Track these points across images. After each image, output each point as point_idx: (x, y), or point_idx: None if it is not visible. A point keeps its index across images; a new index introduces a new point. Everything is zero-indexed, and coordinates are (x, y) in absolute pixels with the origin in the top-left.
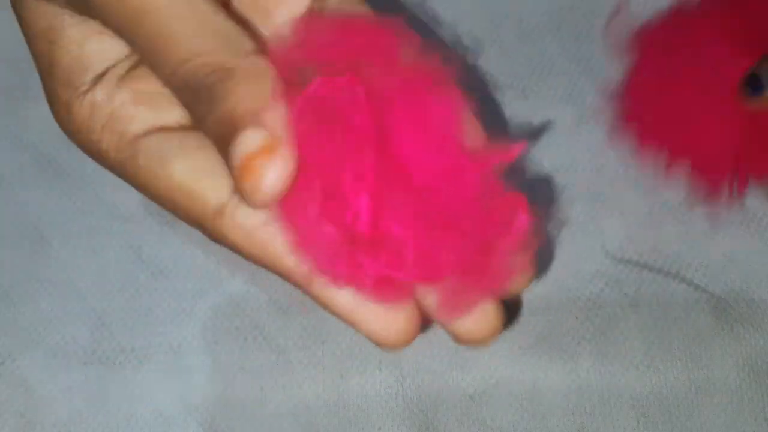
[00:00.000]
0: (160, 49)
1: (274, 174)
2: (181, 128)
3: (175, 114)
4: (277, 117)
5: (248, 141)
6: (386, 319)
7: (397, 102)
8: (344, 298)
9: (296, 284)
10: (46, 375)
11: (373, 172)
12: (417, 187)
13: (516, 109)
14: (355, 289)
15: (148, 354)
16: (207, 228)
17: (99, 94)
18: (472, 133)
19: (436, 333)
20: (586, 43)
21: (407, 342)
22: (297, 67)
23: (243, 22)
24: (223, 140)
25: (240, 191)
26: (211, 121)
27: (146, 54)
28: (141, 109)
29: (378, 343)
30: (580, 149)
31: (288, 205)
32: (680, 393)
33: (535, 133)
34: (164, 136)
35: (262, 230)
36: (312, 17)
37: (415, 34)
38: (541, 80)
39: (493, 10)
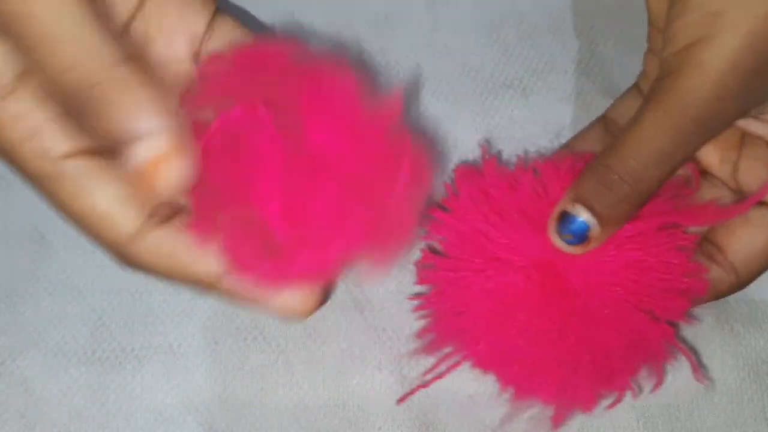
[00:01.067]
0: (39, 59)
1: (172, 177)
2: (101, 152)
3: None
4: (165, 123)
5: (140, 151)
6: (291, 295)
7: (302, 105)
8: (249, 286)
9: (206, 288)
10: (46, 375)
11: (281, 187)
12: (332, 174)
13: (516, 109)
14: (279, 285)
15: (148, 354)
16: (119, 253)
17: (18, 104)
18: (369, 103)
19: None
20: (586, 43)
21: (313, 310)
22: (208, 103)
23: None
24: (114, 149)
25: (141, 197)
26: (98, 132)
27: (30, 62)
28: (66, 129)
29: (287, 317)
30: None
31: (206, 224)
32: (680, 393)
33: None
34: (87, 162)
35: (172, 248)
36: (212, 55)
37: (300, 44)
38: (541, 80)
39: (493, 10)
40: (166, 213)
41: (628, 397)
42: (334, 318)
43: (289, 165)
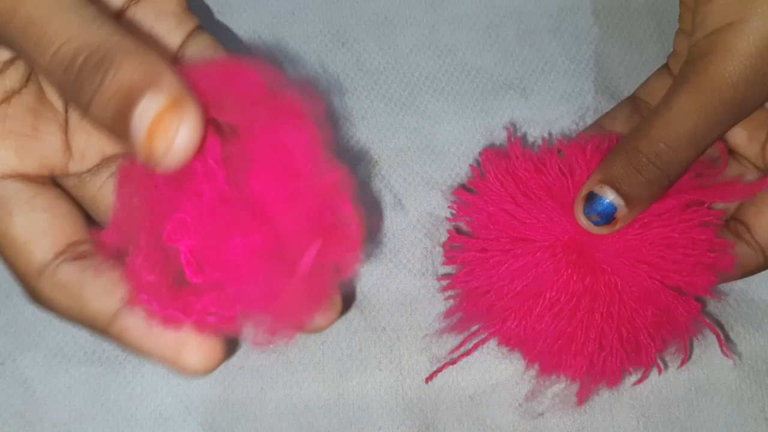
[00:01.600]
0: (35, 41)
1: (186, 129)
2: (38, 180)
3: (34, 163)
4: (173, 78)
5: (151, 104)
6: (184, 349)
7: (255, 138)
8: (143, 334)
9: (99, 329)
10: (46, 375)
11: (202, 221)
12: (258, 228)
13: (516, 109)
14: (181, 326)
15: None
16: (26, 282)
17: None
18: (321, 164)
19: (435, 334)
20: (586, 43)
21: (209, 368)
22: None
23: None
24: (118, 116)
25: (150, 158)
26: (100, 101)
27: (24, 50)
28: (6, 151)
29: (180, 371)
30: None
31: (119, 243)
32: (680, 393)
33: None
34: (19, 186)
35: (74, 284)
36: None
37: (274, 71)
38: (541, 80)
39: (493, 10)
40: (77, 251)
41: (628, 397)
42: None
43: (219, 204)
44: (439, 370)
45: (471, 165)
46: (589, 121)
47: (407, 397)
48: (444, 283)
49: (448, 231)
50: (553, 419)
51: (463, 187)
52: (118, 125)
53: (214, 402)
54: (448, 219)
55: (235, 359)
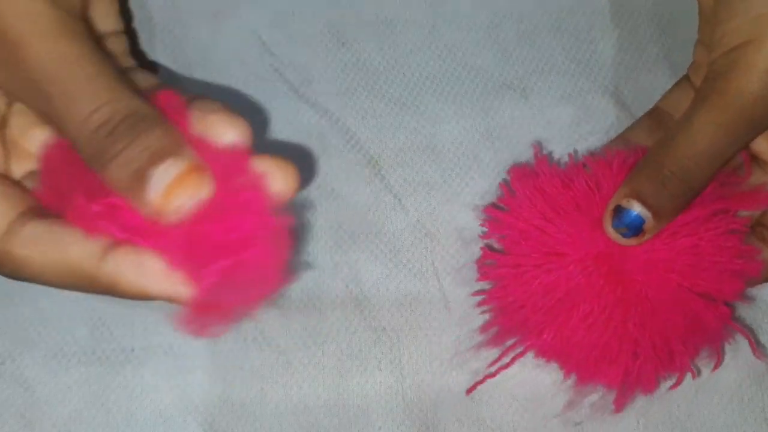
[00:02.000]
0: (63, 110)
1: (200, 193)
2: None
3: None
4: (192, 151)
5: (174, 166)
6: (171, 281)
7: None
8: (131, 274)
9: (86, 279)
10: (46, 375)
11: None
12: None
13: (516, 109)
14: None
15: (148, 354)
16: None
17: None
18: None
19: (435, 333)
20: (586, 43)
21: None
22: None
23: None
24: (137, 173)
25: (158, 210)
26: (124, 158)
27: (51, 118)
28: None
29: (174, 301)
30: (579, 149)
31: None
32: (680, 393)
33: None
34: None
35: (48, 236)
36: None
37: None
38: (541, 80)
39: (493, 10)
40: (39, 212)
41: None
42: (334, 318)
43: None
44: (480, 382)
45: (500, 183)
46: (590, 121)
47: (407, 397)
48: (479, 297)
49: (481, 248)
50: (552, 419)
51: (494, 205)
52: (134, 181)
53: (214, 402)
54: (480, 236)
55: (235, 359)
